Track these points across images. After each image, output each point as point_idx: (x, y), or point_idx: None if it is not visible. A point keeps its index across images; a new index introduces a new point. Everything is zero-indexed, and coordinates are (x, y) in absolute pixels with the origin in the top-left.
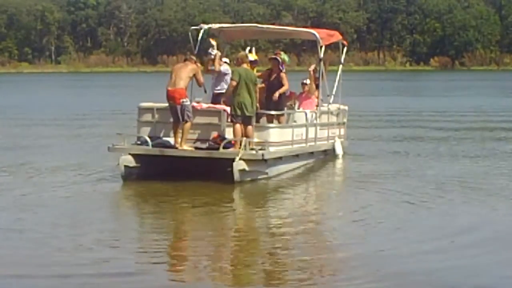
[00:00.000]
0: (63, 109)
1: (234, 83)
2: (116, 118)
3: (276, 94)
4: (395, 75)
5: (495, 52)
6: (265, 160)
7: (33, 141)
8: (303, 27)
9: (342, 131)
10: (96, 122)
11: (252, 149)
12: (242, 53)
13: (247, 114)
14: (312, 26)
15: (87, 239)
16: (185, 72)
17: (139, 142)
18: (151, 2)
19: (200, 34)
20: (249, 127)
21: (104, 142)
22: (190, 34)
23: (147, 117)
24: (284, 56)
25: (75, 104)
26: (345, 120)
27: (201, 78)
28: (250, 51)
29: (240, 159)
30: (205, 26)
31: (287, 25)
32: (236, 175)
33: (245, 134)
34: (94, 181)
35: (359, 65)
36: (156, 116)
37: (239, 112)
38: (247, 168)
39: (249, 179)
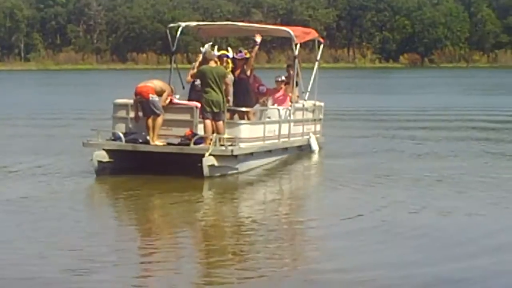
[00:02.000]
0: (33, 107)
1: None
2: (88, 115)
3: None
4: (365, 72)
5: (464, 49)
6: (235, 156)
7: (2, 138)
8: (273, 24)
9: (318, 127)
10: (68, 120)
11: (222, 145)
12: (207, 51)
13: (216, 110)
14: (282, 24)
15: (60, 233)
16: (162, 84)
17: (113, 138)
18: None
19: (178, 32)
20: (220, 123)
21: (78, 138)
22: (168, 31)
23: (122, 113)
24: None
25: (45, 102)
26: (321, 116)
27: (164, 99)
28: (213, 48)
29: (210, 154)
30: (183, 24)
31: (257, 22)
32: (206, 170)
33: (216, 130)
34: (67, 176)
35: (328, 62)
36: (131, 112)
37: (208, 109)
38: (216, 164)
39: (218, 174)
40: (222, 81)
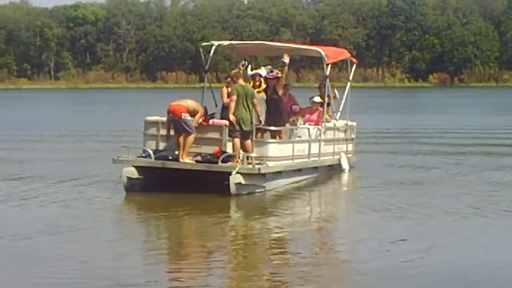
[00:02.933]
0: (64, 125)
1: (235, 98)
2: (118, 133)
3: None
4: (395, 91)
5: (494, 69)
6: (263, 174)
7: (35, 155)
8: (302, 43)
9: (350, 147)
10: (99, 137)
11: (249, 163)
12: (235, 70)
13: (245, 129)
14: (311, 43)
15: (92, 254)
16: (196, 104)
17: (144, 155)
18: (150, 18)
19: (212, 51)
20: (248, 142)
21: (108, 155)
22: (200, 50)
23: (153, 130)
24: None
25: (76, 121)
26: (353, 136)
27: (197, 120)
28: (247, 67)
29: (237, 173)
30: (216, 43)
31: (286, 41)
32: (233, 188)
33: (244, 149)
34: (96, 194)
35: (358, 81)
36: (161, 129)
37: (237, 127)
38: (243, 182)
39: (245, 192)
40: (250, 100)
